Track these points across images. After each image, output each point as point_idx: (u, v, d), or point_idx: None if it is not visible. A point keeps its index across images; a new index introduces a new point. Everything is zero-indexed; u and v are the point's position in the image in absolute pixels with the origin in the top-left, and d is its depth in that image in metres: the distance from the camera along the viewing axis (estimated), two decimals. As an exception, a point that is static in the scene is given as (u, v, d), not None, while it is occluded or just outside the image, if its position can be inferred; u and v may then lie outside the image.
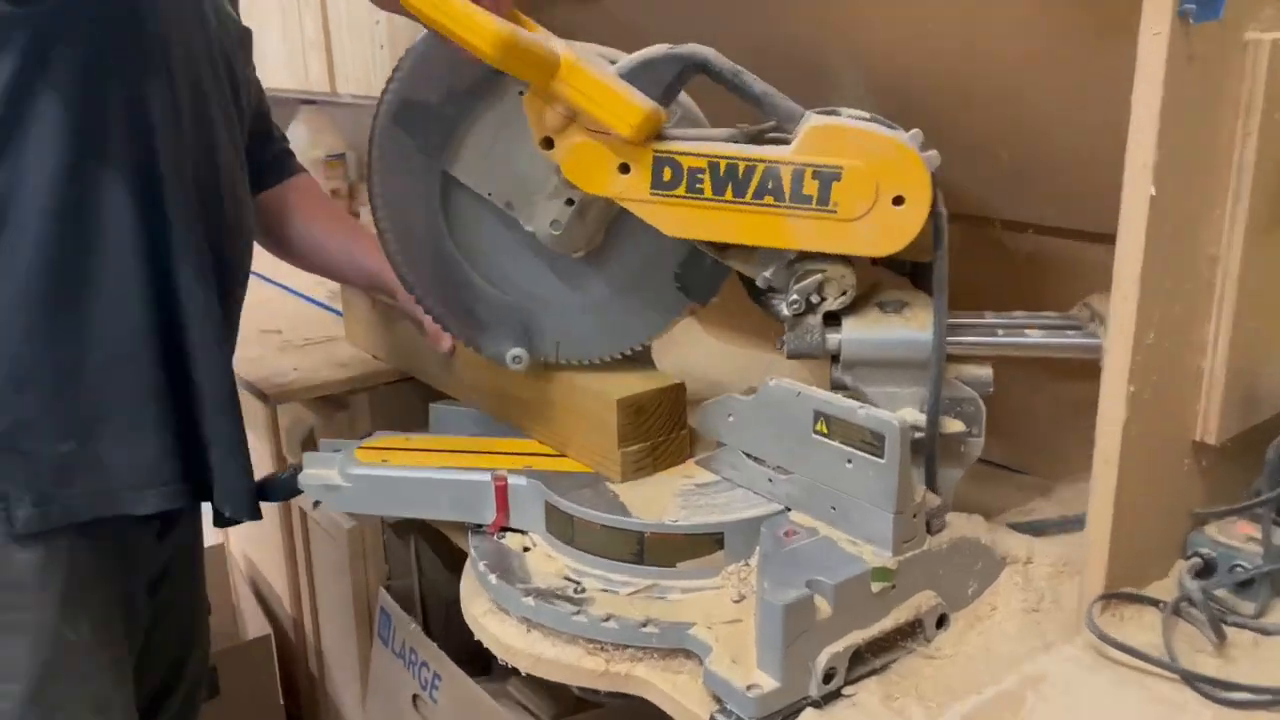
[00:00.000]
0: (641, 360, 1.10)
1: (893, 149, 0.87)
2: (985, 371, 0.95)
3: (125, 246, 1.00)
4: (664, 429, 1.04)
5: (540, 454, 1.09)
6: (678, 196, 0.91)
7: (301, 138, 2.54)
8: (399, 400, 1.40)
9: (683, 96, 0.97)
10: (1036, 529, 1.00)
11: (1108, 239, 1.02)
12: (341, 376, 1.40)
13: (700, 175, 0.90)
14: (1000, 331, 0.95)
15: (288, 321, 1.68)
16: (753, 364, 1.53)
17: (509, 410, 1.16)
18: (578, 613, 0.90)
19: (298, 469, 1.12)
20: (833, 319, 0.96)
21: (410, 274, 1.06)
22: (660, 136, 0.91)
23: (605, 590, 0.93)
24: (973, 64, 0.98)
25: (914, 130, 0.88)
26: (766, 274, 0.94)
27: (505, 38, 0.82)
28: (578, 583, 0.95)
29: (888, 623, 0.84)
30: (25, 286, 0.96)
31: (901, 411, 0.93)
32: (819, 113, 0.90)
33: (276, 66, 2.09)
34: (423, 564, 1.49)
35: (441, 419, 1.24)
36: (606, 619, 0.88)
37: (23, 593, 0.98)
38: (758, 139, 0.94)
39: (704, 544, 0.93)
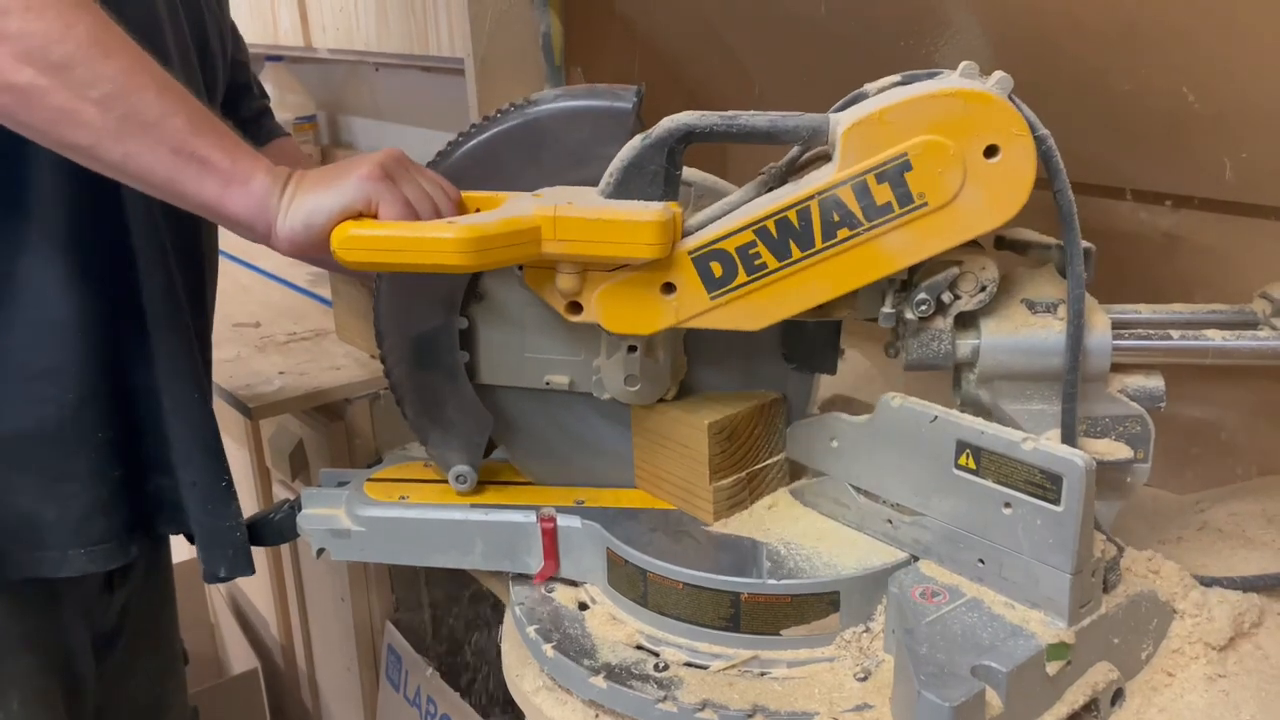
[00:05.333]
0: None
1: (950, 101, 0.69)
2: (1156, 383, 0.77)
3: (47, 265, 0.79)
4: (762, 454, 0.85)
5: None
6: (742, 287, 0.75)
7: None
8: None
9: (690, 173, 0.82)
10: (1250, 585, 0.81)
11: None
12: (335, 382, 1.20)
13: (754, 250, 0.74)
14: (1175, 333, 0.77)
15: (267, 313, 1.48)
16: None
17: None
18: (664, 698, 0.71)
19: (294, 507, 0.92)
20: (964, 321, 0.77)
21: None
22: (687, 234, 0.76)
23: (691, 664, 0.75)
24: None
25: (964, 63, 0.70)
26: (886, 309, 0.77)
27: (470, 239, 0.71)
28: (656, 654, 0.77)
29: (1062, 709, 0.67)
30: None
31: (1052, 434, 0.75)
32: (839, 107, 0.74)
33: (240, 17, 1.85)
34: (433, 594, 1.30)
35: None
36: (702, 707, 0.70)
37: None
38: (794, 172, 0.77)
39: (815, 606, 0.75)
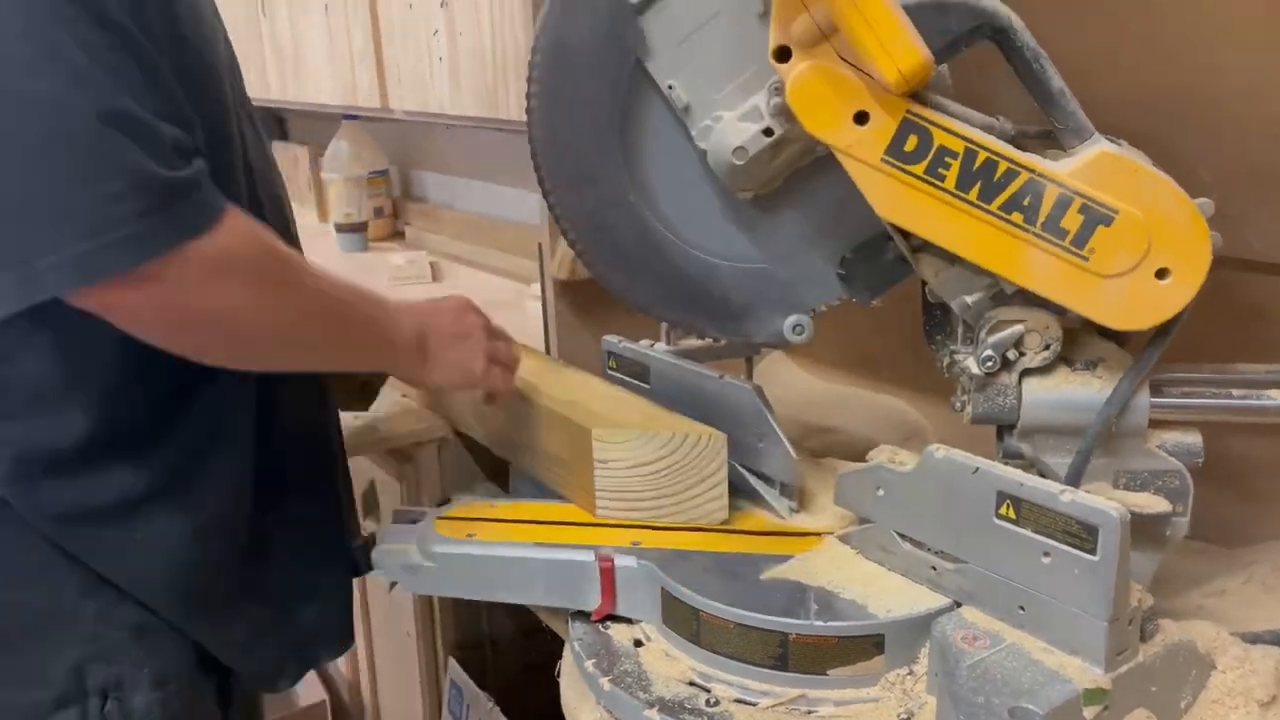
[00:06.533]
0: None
1: (1185, 212, 0.72)
2: (1194, 439, 0.80)
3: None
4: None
5: (650, 526, 0.95)
6: (912, 174, 0.75)
7: (343, 154, 2.43)
8: (471, 454, 1.26)
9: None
10: None
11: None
12: (409, 427, 1.26)
13: (949, 159, 0.74)
14: (1235, 392, 0.79)
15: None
16: (849, 402, 1.39)
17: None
18: (714, 732, 0.75)
19: (370, 543, 0.98)
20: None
21: (631, 290, 0.92)
22: (919, 98, 0.75)
23: (741, 701, 0.79)
24: (1174, 74, 0.83)
25: (1203, 199, 0.73)
26: (968, 299, 0.79)
27: None
28: (708, 690, 0.80)
29: (1100, 754, 0.69)
30: None
31: (1093, 486, 0.78)
32: (1108, 138, 0.76)
33: (321, 80, 1.98)
34: (494, 631, 1.35)
35: (526, 481, 1.10)
36: (751, 742, 0.74)
37: None
38: (1016, 142, 0.78)
39: (860, 648, 0.78)
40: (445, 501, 1.03)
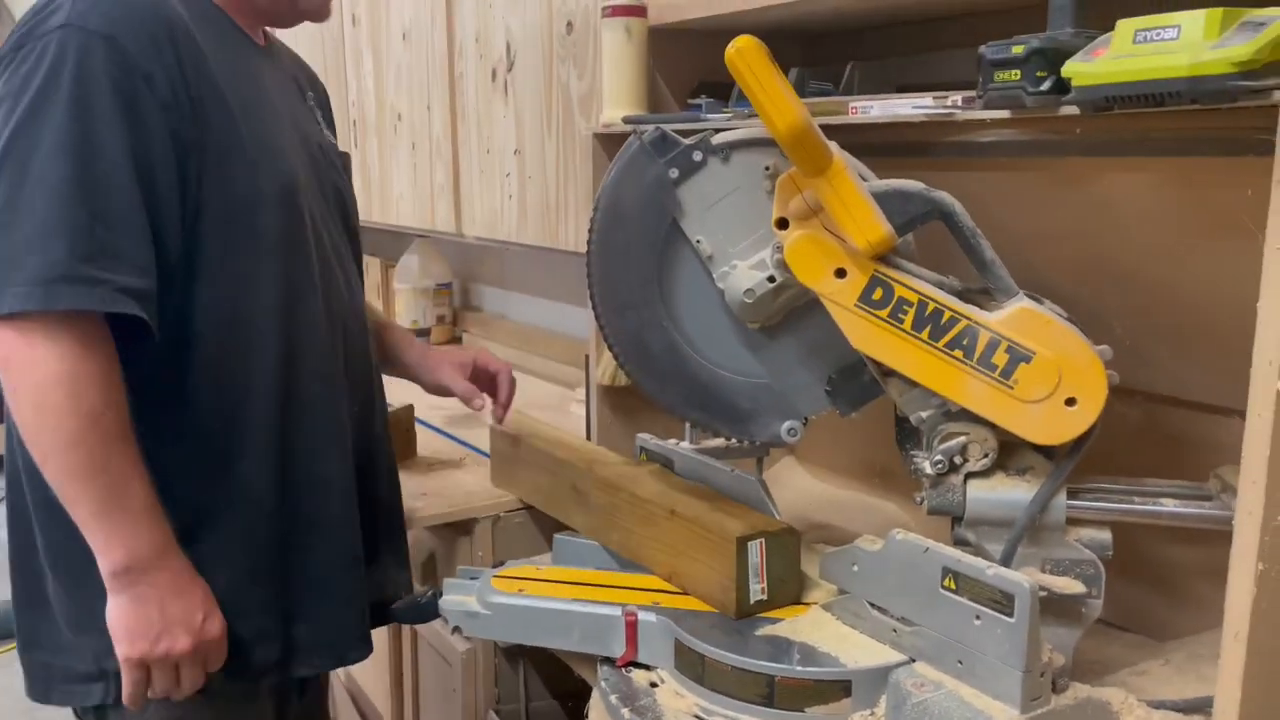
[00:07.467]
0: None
1: (1086, 357, 0.94)
2: (1104, 535, 0.99)
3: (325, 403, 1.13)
4: (780, 570, 1.09)
5: (666, 590, 1.15)
6: (879, 317, 0.98)
7: (413, 267, 2.71)
8: (519, 528, 1.48)
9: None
10: (1190, 706, 0.99)
11: (1220, 410, 1.08)
12: (467, 505, 1.49)
13: (907, 307, 0.97)
14: (1136, 499, 0.99)
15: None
16: (850, 505, 1.59)
17: (631, 544, 1.22)
18: (712, 752, 0.94)
19: (437, 594, 1.19)
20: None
21: (662, 394, 1.13)
22: (885, 260, 0.98)
23: (735, 730, 0.98)
24: (1090, 247, 1.06)
25: (1103, 346, 0.95)
26: (922, 414, 1.00)
27: (801, 126, 0.91)
28: (708, 721, 0.99)
29: (1014, 783, 0.87)
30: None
31: (1024, 570, 0.98)
32: (1029, 295, 0.98)
33: (404, 207, 2.27)
34: (530, 690, 1.54)
35: (564, 549, 1.31)
36: (740, 760, 0.93)
37: None
38: (961, 295, 1.00)
39: (832, 690, 0.97)
40: (500, 564, 1.24)
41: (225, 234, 1.05)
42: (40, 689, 1.11)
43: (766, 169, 1.05)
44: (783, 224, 1.00)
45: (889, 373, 1.02)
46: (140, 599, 1.00)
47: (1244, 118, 0.76)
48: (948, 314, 0.97)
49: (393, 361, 1.45)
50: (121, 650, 1.01)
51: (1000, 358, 0.96)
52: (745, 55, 0.90)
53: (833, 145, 0.99)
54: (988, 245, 0.98)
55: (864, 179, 1.01)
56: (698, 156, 1.07)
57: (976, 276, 1.01)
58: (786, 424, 1.12)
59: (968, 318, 0.96)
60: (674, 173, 1.07)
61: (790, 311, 1.09)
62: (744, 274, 1.06)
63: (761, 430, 1.13)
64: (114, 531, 0.98)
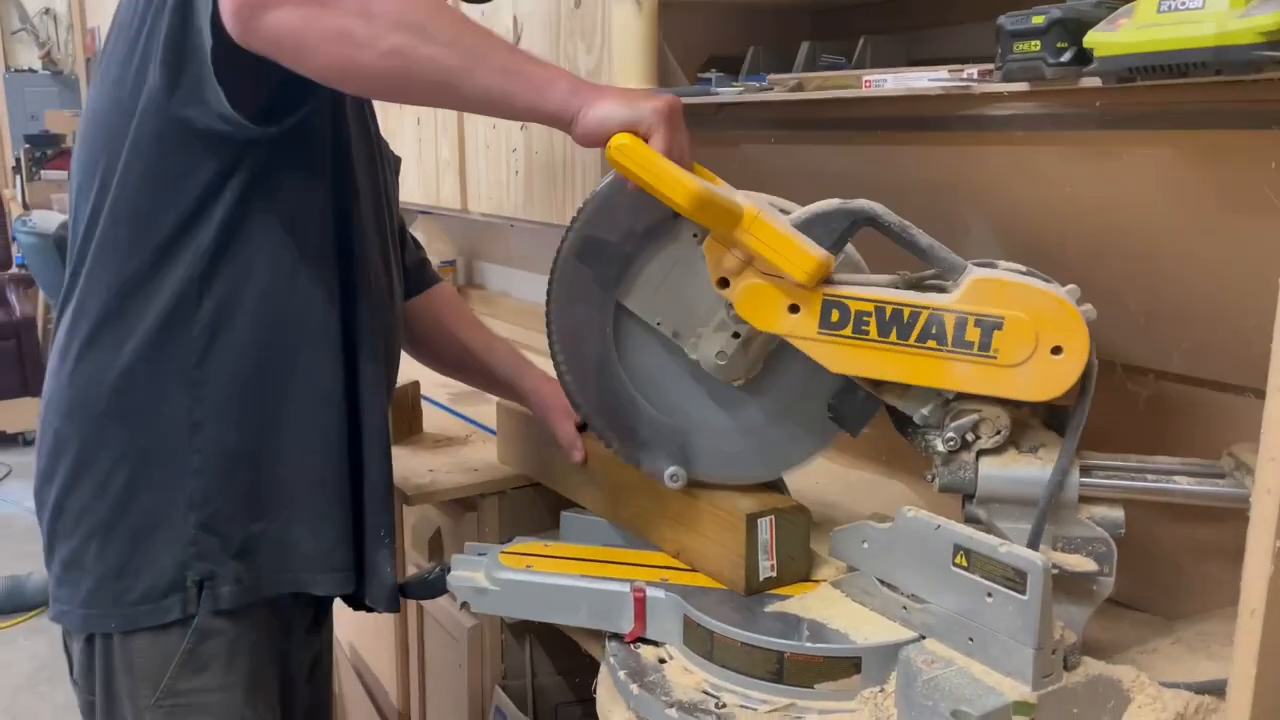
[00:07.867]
0: (775, 482, 1.16)
1: (1053, 303, 0.93)
2: (1117, 513, 0.99)
3: (324, 353, 1.11)
4: (790, 547, 1.09)
5: (675, 567, 1.15)
6: (844, 336, 0.98)
7: (418, 244, 2.70)
8: (525, 505, 1.47)
9: (849, 248, 1.05)
10: (1201, 688, 0.97)
11: (1231, 389, 1.08)
12: (473, 480, 1.48)
13: (867, 318, 0.97)
14: (1150, 476, 0.99)
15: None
16: (858, 484, 1.58)
17: (640, 521, 1.22)
18: (721, 728, 0.94)
19: (445, 569, 1.19)
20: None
21: (580, 395, 1.14)
22: (829, 281, 0.99)
23: (744, 707, 0.98)
24: (1106, 222, 1.05)
25: (1070, 285, 0.94)
26: (924, 411, 1.00)
27: (700, 195, 0.93)
28: (717, 698, 0.99)
29: (1025, 759, 0.87)
30: (240, 388, 1.07)
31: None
32: (978, 264, 0.97)
33: (410, 184, 2.25)
34: (536, 666, 1.54)
35: (571, 526, 1.31)
36: (749, 736, 0.92)
37: (212, 673, 1.06)
38: (917, 286, 1.01)
39: (841, 667, 0.97)
40: (508, 540, 1.24)
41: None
42: (92, 616, 1.07)
43: (695, 235, 1.03)
44: (724, 283, 1.00)
45: (879, 384, 1.02)
46: (609, 90, 0.96)
47: (1269, 90, 0.75)
48: (907, 311, 0.97)
49: (502, 384, 1.45)
50: (648, 103, 0.94)
51: (972, 334, 0.95)
52: (625, 152, 0.93)
53: (739, 193, 0.99)
54: (920, 232, 0.97)
55: (786, 211, 1.01)
56: (629, 248, 1.07)
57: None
58: (672, 468, 1.12)
59: (926, 306, 0.96)
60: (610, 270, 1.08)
61: (769, 357, 1.09)
62: (710, 340, 1.06)
63: (649, 462, 1.13)
64: (538, 70, 0.95)
